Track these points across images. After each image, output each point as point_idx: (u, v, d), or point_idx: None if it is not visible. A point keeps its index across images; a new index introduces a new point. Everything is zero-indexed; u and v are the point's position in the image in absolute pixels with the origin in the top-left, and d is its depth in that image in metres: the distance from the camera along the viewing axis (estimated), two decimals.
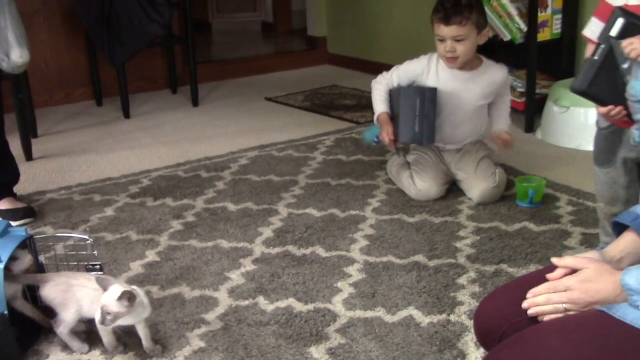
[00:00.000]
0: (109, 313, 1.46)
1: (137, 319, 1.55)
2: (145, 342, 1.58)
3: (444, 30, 2.26)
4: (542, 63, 3.13)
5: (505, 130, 2.43)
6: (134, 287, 1.54)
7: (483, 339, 1.23)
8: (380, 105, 2.46)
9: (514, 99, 3.19)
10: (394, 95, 2.44)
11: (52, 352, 1.61)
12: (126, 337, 1.62)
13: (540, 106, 3.09)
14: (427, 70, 2.41)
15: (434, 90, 2.33)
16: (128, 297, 1.46)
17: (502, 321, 1.15)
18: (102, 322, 1.48)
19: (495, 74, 2.40)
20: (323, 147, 3.03)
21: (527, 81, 3.09)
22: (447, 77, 2.39)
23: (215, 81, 4.37)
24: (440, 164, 2.48)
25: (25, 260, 1.60)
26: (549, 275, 1.12)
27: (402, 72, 2.46)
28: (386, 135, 2.37)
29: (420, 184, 2.38)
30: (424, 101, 2.30)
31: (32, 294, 1.65)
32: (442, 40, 2.29)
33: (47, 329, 1.65)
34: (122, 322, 1.52)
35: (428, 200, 2.38)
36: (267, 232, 2.19)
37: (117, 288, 1.47)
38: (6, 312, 1.49)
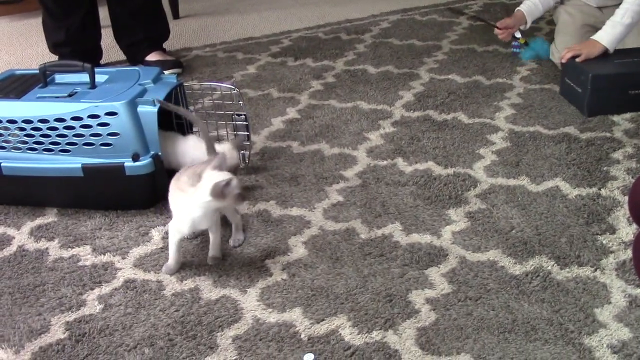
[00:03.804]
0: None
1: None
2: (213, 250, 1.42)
3: None
4: None
5: (595, 41, 1.97)
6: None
7: (638, 216, 1.15)
8: (523, 5, 2.30)
9: None
10: None
11: None
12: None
13: None
14: None
15: None
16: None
17: None
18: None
19: None
20: (469, 12, 2.85)
21: None
22: None
23: None
24: (587, 26, 2.17)
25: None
26: None
27: None
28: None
29: (562, 47, 2.13)
30: None
31: None
32: None
33: None
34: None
35: None
36: (407, 96, 2.14)
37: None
38: (160, 152, 1.58)
